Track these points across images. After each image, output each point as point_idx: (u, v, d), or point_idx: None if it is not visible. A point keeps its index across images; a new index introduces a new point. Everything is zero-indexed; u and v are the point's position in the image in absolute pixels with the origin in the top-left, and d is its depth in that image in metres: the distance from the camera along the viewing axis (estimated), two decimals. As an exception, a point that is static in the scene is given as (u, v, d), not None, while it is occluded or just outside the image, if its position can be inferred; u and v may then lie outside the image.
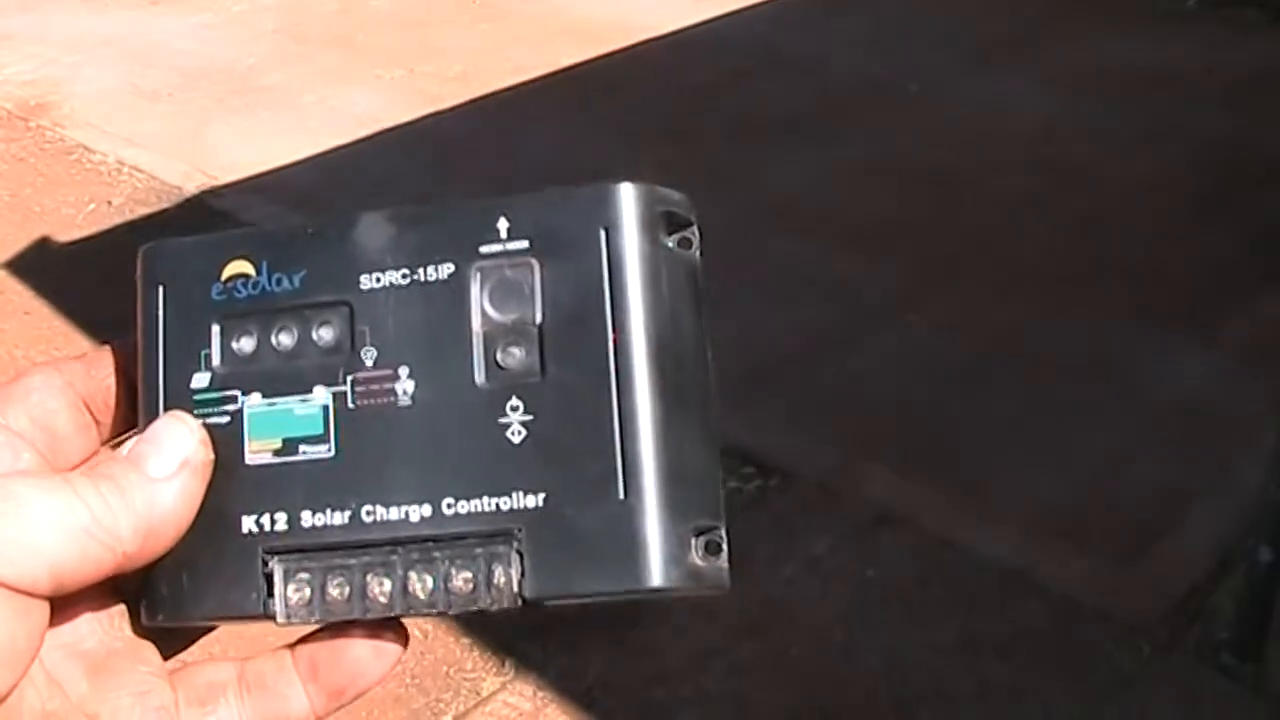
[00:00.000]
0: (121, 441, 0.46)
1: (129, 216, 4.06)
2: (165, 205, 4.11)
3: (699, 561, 0.42)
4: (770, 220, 3.64)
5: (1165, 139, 4.09)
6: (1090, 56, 4.74)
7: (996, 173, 3.94)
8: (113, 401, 0.47)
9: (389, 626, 0.44)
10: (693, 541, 0.42)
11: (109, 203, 4.15)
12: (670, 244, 0.44)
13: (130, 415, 0.47)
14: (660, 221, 0.44)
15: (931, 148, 4.13)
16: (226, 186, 4.17)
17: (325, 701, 0.45)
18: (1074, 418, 2.81)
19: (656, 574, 0.40)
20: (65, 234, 3.99)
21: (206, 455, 0.44)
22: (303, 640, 0.45)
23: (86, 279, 3.73)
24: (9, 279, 3.73)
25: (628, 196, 0.44)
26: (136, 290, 0.47)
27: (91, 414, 0.47)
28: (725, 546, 0.43)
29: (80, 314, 3.49)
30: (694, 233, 0.45)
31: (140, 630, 0.45)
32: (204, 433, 0.44)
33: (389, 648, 0.44)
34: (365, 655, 0.44)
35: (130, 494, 0.41)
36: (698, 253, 0.45)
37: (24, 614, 0.39)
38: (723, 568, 0.42)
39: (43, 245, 3.93)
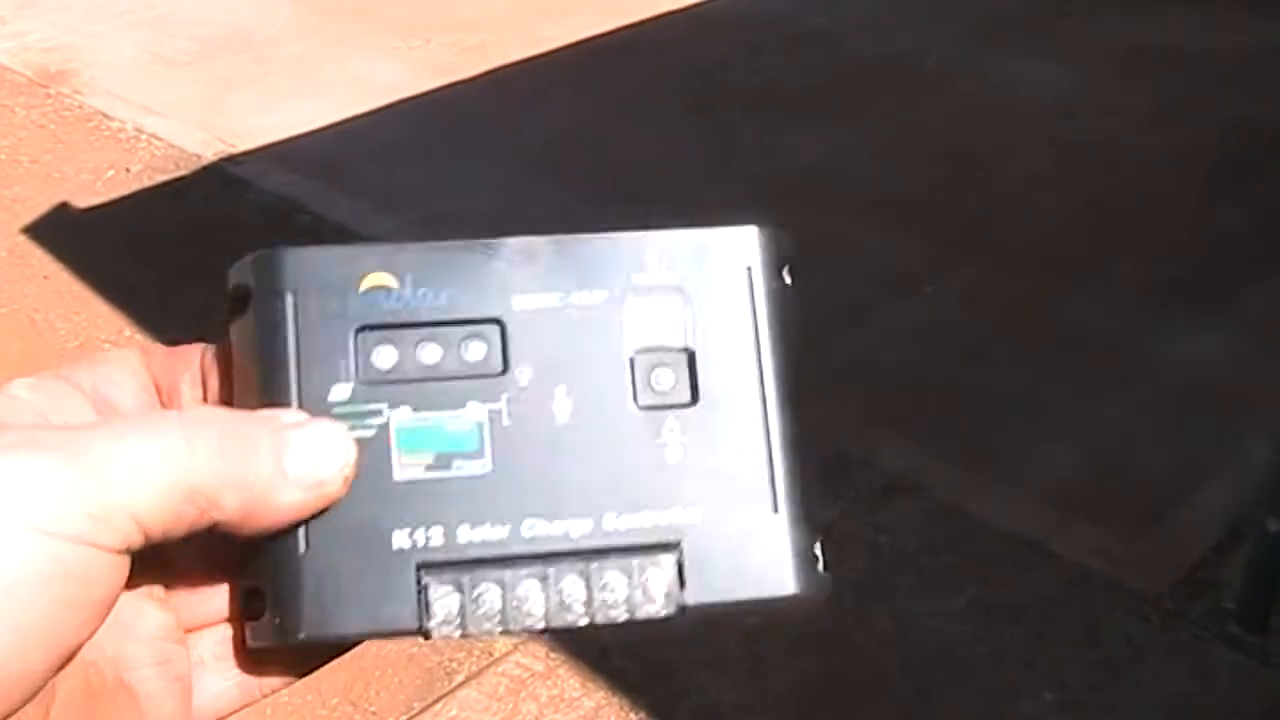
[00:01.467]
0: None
1: (147, 184, 4.08)
2: (183, 172, 4.12)
3: (821, 570, 0.45)
4: (786, 194, 3.65)
5: (1181, 117, 4.09)
6: (1107, 34, 4.74)
7: (1011, 149, 3.95)
8: (181, 396, 0.46)
9: None
10: (818, 551, 0.45)
11: (127, 169, 4.17)
12: (788, 280, 0.47)
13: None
14: (784, 262, 0.47)
15: (947, 123, 4.14)
16: (245, 154, 4.19)
17: None
18: (1087, 391, 2.82)
19: (800, 583, 0.44)
20: (84, 200, 4.01)
21: (344, 490, 0.43)
22: None
23: (105, 244, 3.76)
24: (29, 244, 3.75)
25: (762, 239, 0.47)
26: (248, 300, 0.46)
27: (161, 400, 0.46)
28: (822, 554, 0.46)
29: (99, 278, 3.51)
30: (790, 269, 0.48)
31: (257, 650, 0.44)
32: (354, 461, 0.43)
33: None
34: None
35: (255, 476, 0.40)
36: (794, 285, 0.48)
37: (113, 566, 0.38)
38: (828, 576, 0.45)
39: (62, 210, 3.95)
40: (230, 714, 0.46)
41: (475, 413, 0.44)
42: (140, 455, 0.38)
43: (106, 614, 0.39)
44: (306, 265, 0.46)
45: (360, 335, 0.45)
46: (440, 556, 0.43)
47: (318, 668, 0.47)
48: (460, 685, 2.19)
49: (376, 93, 4.56)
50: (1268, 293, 3.14)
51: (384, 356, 0.45)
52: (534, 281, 0.45)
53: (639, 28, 5.00)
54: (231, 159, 4.18)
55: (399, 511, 0.44)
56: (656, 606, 0.43)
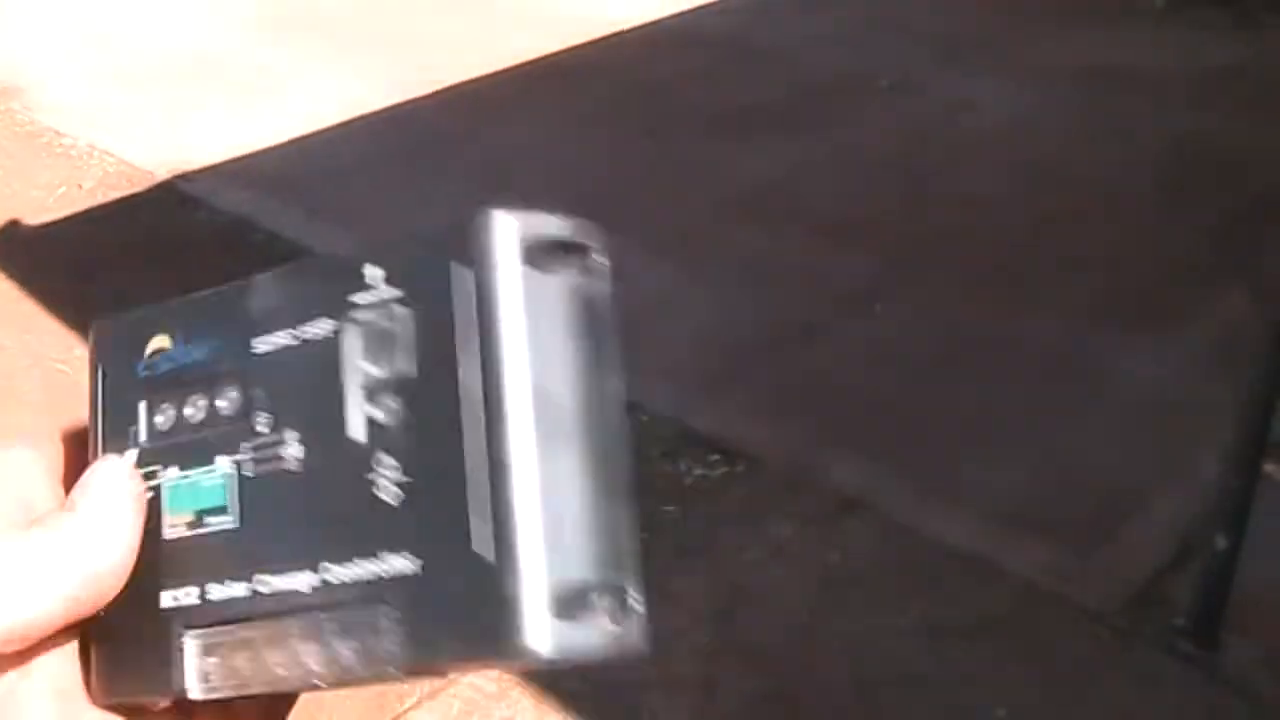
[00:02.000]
0: None
1: (100, 200, 4.05)
2: (136, 190, 4.09)
3: (593, 625, 0.38)
4: (739, 213, 3.66)
5: (1132, 136, 4.13)
6: (1060, 54, 4.77)
7: (965, 169, 3.97)
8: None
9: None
10: (585, 603, 0.38)
11: (79, 186, 4.13)
12: (558, 275, 0.39)
13: None
14: (544, 251, 0.39)
15: (901, 143, 4.16)
16: (198, 171, 4.16)
17: None
18: (1038, 410, 2.84)
19: (533, 642, 0.36)
20: (35, 217, 3.97)
21: (137, 486, 0.44)
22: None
23: (56, 261, 3.72)
24: (-22, 261, 3.71)
25: (498, 229, 0.39)
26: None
27: (65, 488, 0.47)
28: (632, 604, 0.39)
29: (49, 296, 3.47)
30: (594, 260, 0.40)
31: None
32: (129, 465, 0.45)
33: None
34: None
35: (70, 539, 0.42)
36: (600, 280, 0.40)
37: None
38: (622, 632, 0.38)
39: (13, 228, 3.91)
40: None
41: (224, 466, 0.44)
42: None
43: None
44: (108, 337, 0.47)
45: (147, 399, 0.46)
46: (199, 617, 0.43)
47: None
48: (412, 707, 2.17)
49: (331, 110, 4.54)
50: (1219, 309, 3.16)
51: (162, 418, 0.45)
52: (273, 319, 0.43)
53: (593, 46, 5.00)
54: (185, 176, 4.15)
55: (166, 572, 0.44)
56: (377, 669, 0.39)
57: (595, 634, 0.38)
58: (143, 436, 0.45)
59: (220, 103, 4.71)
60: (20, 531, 0.42)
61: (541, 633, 0.36)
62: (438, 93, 4.67)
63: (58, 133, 4.49)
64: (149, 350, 0.46)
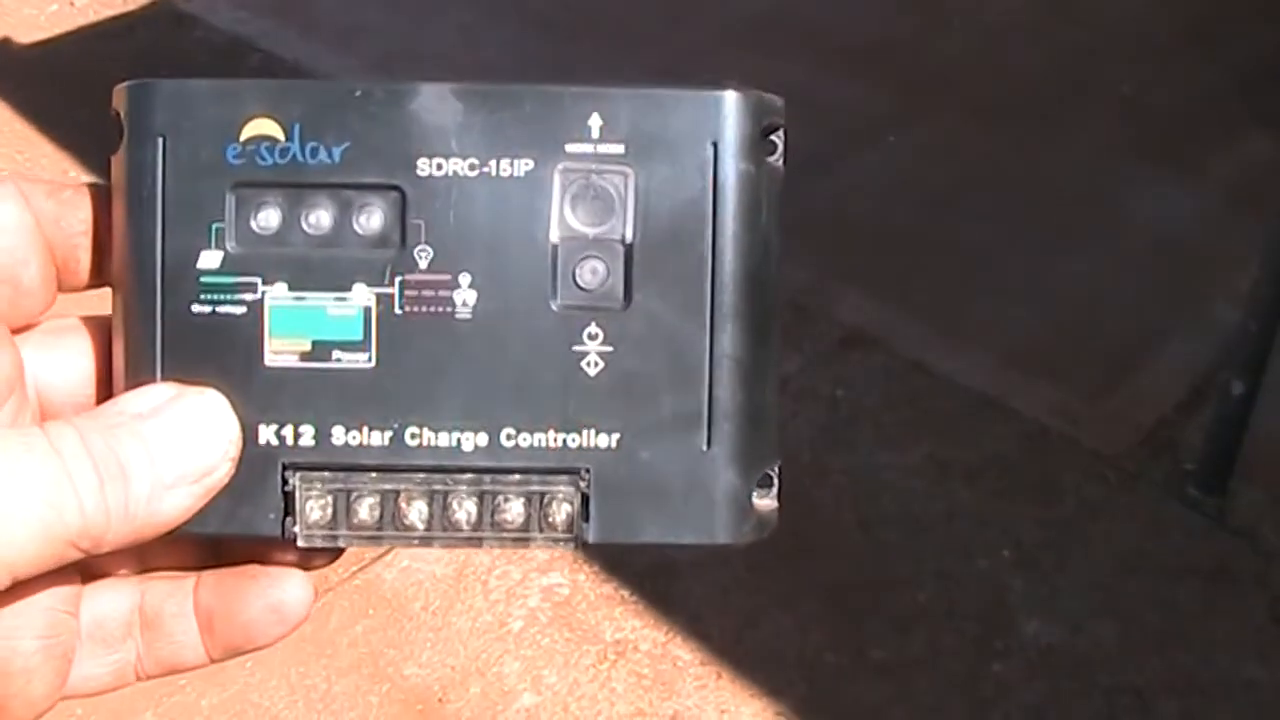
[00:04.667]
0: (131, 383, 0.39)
1: (93, 18, 3.96)
2: (130, 8, 4.00)
3: (760, 507, 0.40)
4: (750, 39, 3.55)
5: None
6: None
7: (986, -1, 3.85)
8: (81, 257, 0.40)
9: (297, 585, 0.40)
10: (770, 485, 0.40)
11: (72, 4, 4.04)
12: (767, 155, 0.39)
13: (97, 277, 0.40)
14: (767, 134, 0.39)
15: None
16: (194, -11, 4.05)
17: (219, 654, 0.40)
18: (1052, 249, 2.78)
19: (730, 530, 0.39)
20: (27, 35, 3.89)
21: (231, 472, 0.37)
22: (202, 580, 0.40)
23: (49, 82, 3.65)
24: (-32, 79, 3.64)
25: (738, 107, 0.38)
26: (120, 133, 0.40)
27: (56, 265, 0.40)
28: (778, 481, 0.41)
29: (42, 116, 3.42)
30: (781, 137, 0.40)
31: None
32: (240, 440, 0.38)
33: (290, 611, 0.40)
34: (264, 619, 0.40)
35: (136, 503, 0.34)
36: (782, 160, 0.40)
37: None
38: (775, 507, 0.41)
39: (4, 46, 3.83)
40: (94, 695, 0.40)
41: (362, 297, 0.38)
42: (18, 500, 0.32)
43: None
44: (181, 103, 0.39)
45: (237, 193, 0.39)
46: (310, 458, 0.38)
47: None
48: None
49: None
50: (1240, 154, 3.08)
51: (263, 221, 0.39)
52: (447, 142, 0.38)
53: None
54: (180, -7, 4.04)
55: (267, 404, 0.38)
56: (553, 538, 0.39)
57: (771, 512, 0.40)
58: (232, 237, 0.39)
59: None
60: (74, 455, 0.33)
61: (742, 517, 0.39)
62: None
63: (49, -53, 4.36)
64: (245, 135, 0.39)
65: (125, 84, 0.41)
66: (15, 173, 3.09)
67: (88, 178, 3.16)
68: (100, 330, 0.40)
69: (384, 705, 1.90)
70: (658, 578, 2.07)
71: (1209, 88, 3.37)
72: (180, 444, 0.36)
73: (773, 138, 0.40)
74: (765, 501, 0.40)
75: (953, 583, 2.07)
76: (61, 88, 3.59)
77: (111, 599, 0.40)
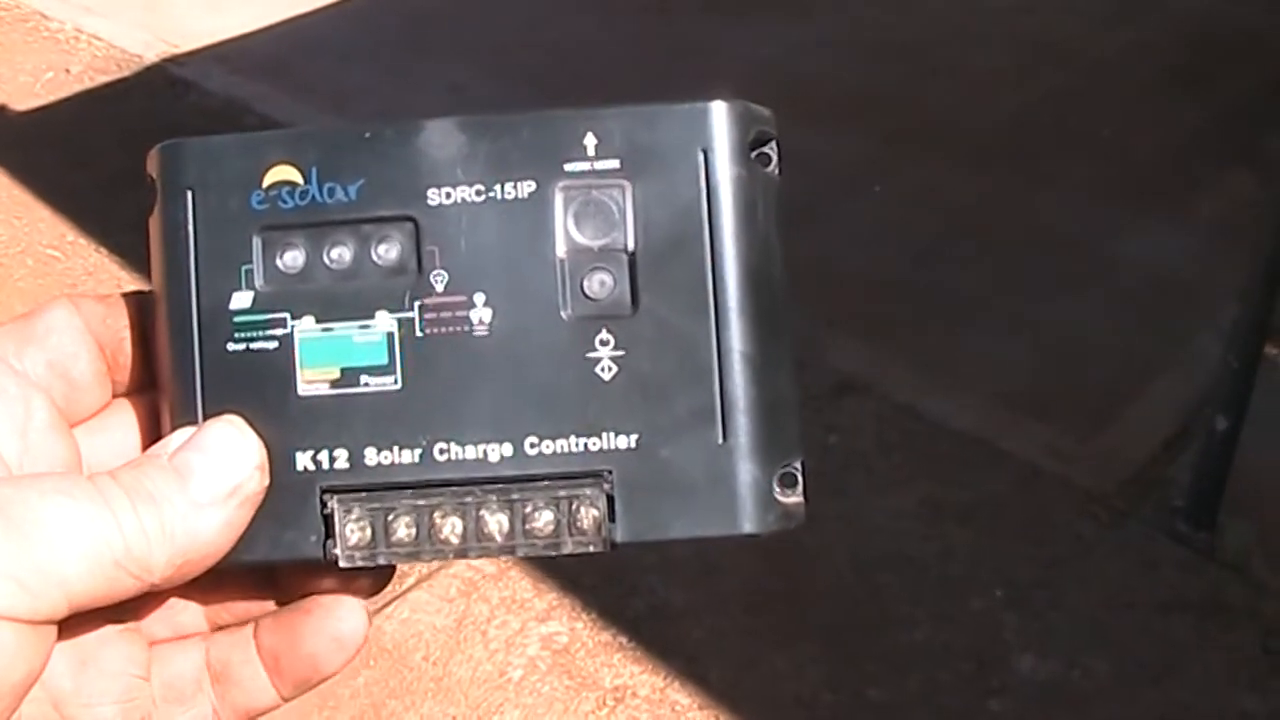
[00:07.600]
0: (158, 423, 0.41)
1: (88, 85, 3.99)
2: (125, 74, 4.03)
3: (784, 501, 0.41)
4: (740, 92, 3.58)
5: (1139, 13, 4.05)
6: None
7: (969, 46, 3.90)
8: (129, 351, 0.42)
9: (352, 611, 0.42)
10: (793, 479, 0.41)
11: (67, 70, 4.07)
12: (761, 166, 0.42)
13: (145, 372, 0.43)
14: (758, 143, 0.43)
15: (904, 19, 4.09)
16: (188, 55, 4.09)
17: (290, 691, 0.42)
18: (1040, 291, 2.81)
19: (754, 520, 0.40)
20: (23, 103, 3.92)
21: (262, 482, 0.39)
22: (262, 625, 0.43)
23: (45, 147, 3.67)
24: (-34, 147, 3.67)
25: (726, 116, 0.42)
26: (154, 194, 0.42)
27: (107, 362, 0.42)
28: (802, 479, 0.42)
29: (40, 182, 3.44)
30: (774, 148, 0.43)
31: None
32: (264, 455, 0.40)
33: (349, 638, 0.41)
34: (326, 648, 0.41)
35: (172, 523, 0.37)
36: (778, 170, 0.43)
37: (35, 643, 0.35)
38: (801, 502, 0.41)
39: (0, 113, 3.86)
40: None
41: (385, 323, 0.41)
42: (63, 528, 0.35)
43: (25, 694, 0.35)
44: (207, 158, 0.42)
45: (263, 236, 0.41)
46: (346, 481, 0.40)
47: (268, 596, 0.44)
48: (411, 588, 2.18)
49: (322, -9, 4.46)
50: (1222, 192, 3.13)
51: (288, 260, 0.41)
52: (453, 172, 0.41)
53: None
54: (174, 60, 4.08)
55: (302, 432, 0.41)
56: (583, 541, 0.40)
57: (797, 506, 0.41)
58: (260, 277, 0.41)
59: (209, -16, 4.62)
60: (110, 488, 0.36)
61: (765, 507, 0.40)
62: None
63: (44, 16, 4.41)
64: (267, 181, 0.41)
65: (156, 147, 0.43)
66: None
67: (85, 242, 3.20)
68: (143, 406, 0.43)
69: (387, 756, 1.92)
70: (655, 623, 2.09)
71: (1190, 126, 3.42)
72: (207, 466, 0.38)
73: (766, 149, 0.43)
74: (791, 499, 0.41)
75: (948, 622, 2.09)
76: (58, 154, 3.62)
77: (179, 659, 0.42)
